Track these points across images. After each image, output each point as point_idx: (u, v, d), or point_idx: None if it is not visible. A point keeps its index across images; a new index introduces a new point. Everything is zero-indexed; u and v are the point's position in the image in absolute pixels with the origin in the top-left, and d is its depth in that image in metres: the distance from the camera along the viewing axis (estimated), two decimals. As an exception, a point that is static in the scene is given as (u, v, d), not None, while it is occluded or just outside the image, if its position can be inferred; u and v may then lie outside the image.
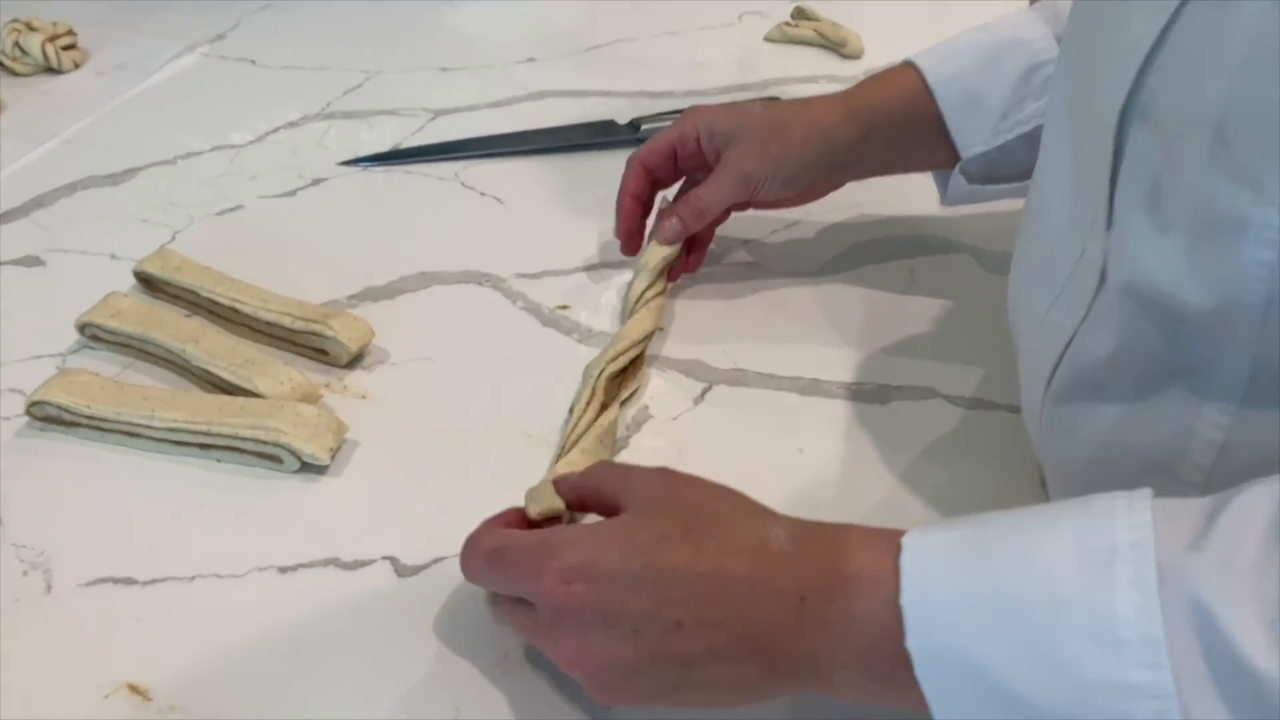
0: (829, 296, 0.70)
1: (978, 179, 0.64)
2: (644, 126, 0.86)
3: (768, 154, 0.63)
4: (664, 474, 0.44)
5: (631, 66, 1.00)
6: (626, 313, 0.64)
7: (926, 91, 0.63)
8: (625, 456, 0.58)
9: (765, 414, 0.61)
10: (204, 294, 0.65)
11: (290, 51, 1.00)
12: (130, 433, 0.56)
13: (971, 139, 0.63)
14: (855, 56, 1.00)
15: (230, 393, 0.59)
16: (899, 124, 0.64)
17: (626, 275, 0.71)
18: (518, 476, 0.54)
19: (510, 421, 0.59)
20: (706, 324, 0.67)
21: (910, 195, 0.75)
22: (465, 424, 0.59)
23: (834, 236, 0.75)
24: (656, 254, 0.65)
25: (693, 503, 0.42)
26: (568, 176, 0.82)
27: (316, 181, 0.81)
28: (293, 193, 0.80)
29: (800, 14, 1.07)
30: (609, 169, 0.79)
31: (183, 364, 0.61)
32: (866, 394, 0.62)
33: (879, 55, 0.99)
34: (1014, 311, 0.59)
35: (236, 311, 0.64)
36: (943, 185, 0.67)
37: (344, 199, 0.79)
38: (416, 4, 1.11)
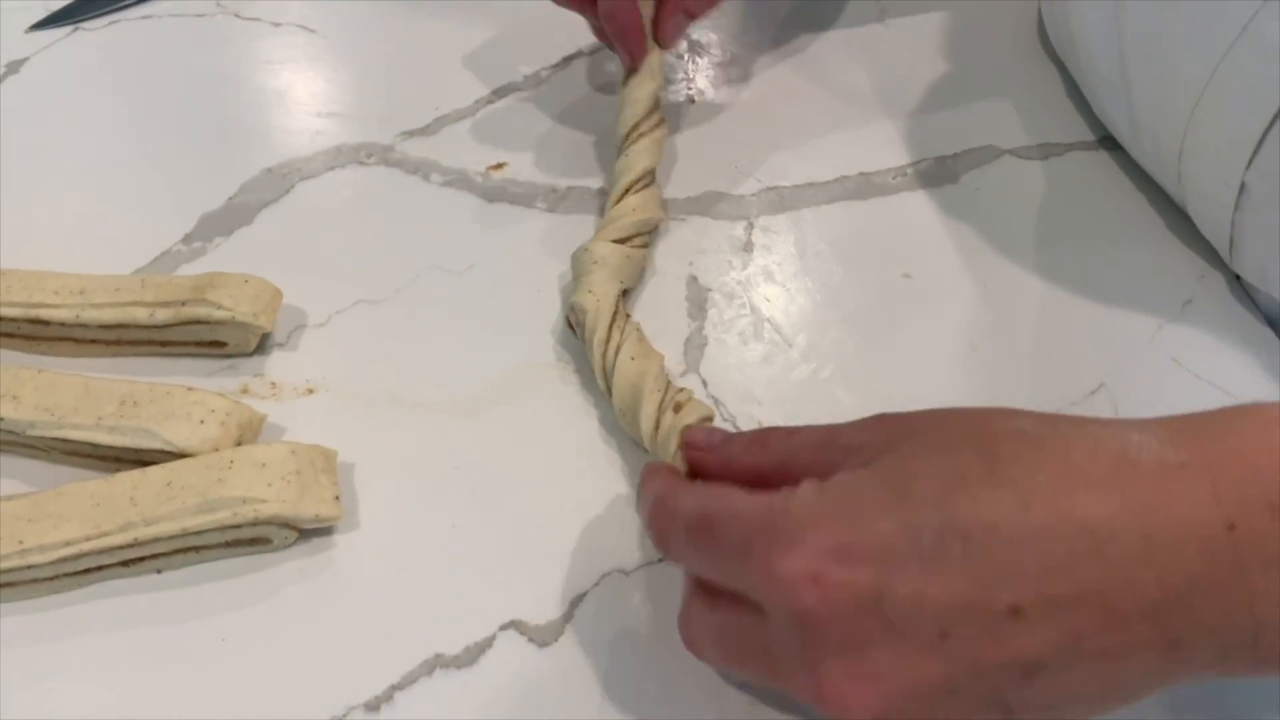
0: (808, 73, 0.54)
1: None
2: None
3: None
4: (892, 421, 0.29)
5: None
6: (617, 155, 0.46)
7: None
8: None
9: (833, 236, 0.47)
10: (-33, 310, 0.40)
11: None
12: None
13: None
14: None
15: (122, 463, 0.37)
16: None
17: (558, 89, 0.52)
18: (601, 430, 0.39)
19: (532, 355, 0.42)
20: (706, 149, 0.50)
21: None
22: (475, 381, 0.41)
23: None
24: (646, 80, 0.46)
25: (975, 429, 0.28)
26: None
27: (13, 66, 0.53)
28: (-13, 94, 0.51)
29: None
30: None
31: (6, 441, 0.37)
32: (928, 174, 0.49)
33: None
34: (1100, 29, 0.47)
35: (41, 323, 0.40)
36: None
37: (72, 84, 0.52)
38: None
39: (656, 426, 0.37)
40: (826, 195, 0.48)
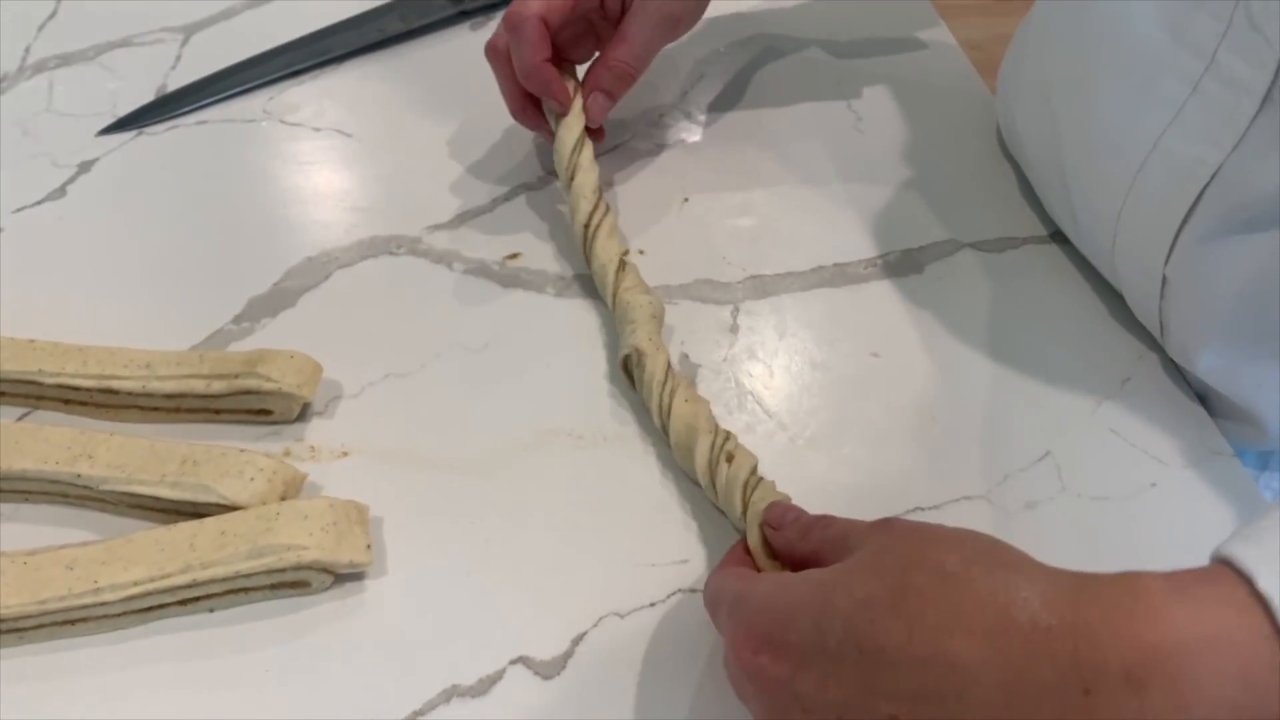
0: (789, 172, 0.61)
1: None
2: (469, -8, 0.70)
3: None
4: (885, 524, 0.34)
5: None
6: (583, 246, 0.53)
7: None
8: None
9: (810, 320, 0.52)
10: (49, 380, 0.46)
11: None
12: (69, 620, 0.39)
13: None
14: None
15: (181, 515, 0.42)
16: None
17: (559, 189, 0.58)
18: (601, 489, 0.44)
19: (539, 423, 0.47)
20: (697, 241, 0.56)
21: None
22: (490, 445, 0.47)
23: (725, 86, 0.66)
24: (574, 122, 0.54)
25: (909, 556, 0.31)
26: (404, 79, 0.66)
27: (84, 166, 0.59)
28: (60, 190, 0.58)
29: None
30: (449, 57, 0.65)
31: (81, 495, 0.43)
32: (895, 265, 0.55)
33: None
34: (1040, 139, 0.54)
35: (112, 393, 0.46)
36: None
37: (136, 182, 0.59)
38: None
39: (710, 465, 0.43)
40: (804, 283, 0.54)
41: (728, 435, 0.44)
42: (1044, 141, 0.54)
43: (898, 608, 0.30)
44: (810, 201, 0.58)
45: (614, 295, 0.50)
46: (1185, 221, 0.44)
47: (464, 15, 0.70)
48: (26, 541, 0.42)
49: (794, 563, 0.38)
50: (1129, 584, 0.28)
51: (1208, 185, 0.42)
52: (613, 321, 0.51)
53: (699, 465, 0.43)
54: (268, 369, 0.45)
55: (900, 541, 0.32)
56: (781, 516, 0.39)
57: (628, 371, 0.48)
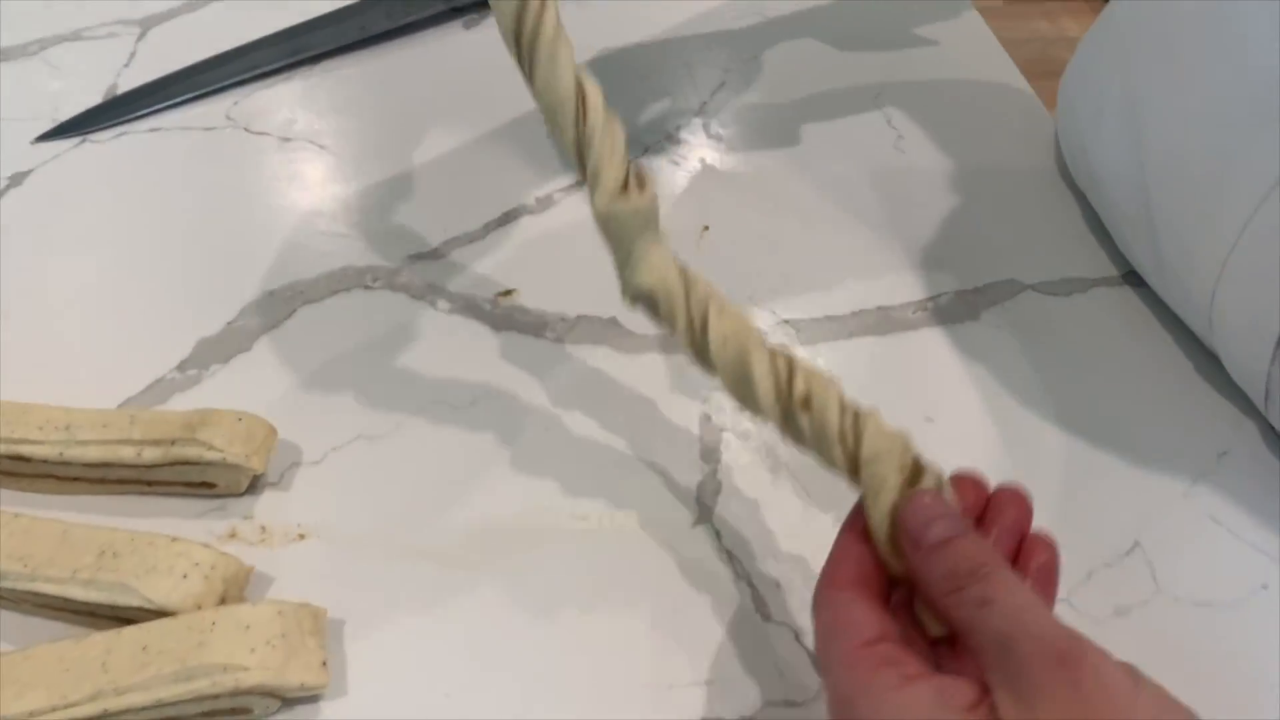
0: (823, 200, 0.53)
1: None
2: (462, -12, 0.62)
3: None
4: (1075, 677, 0.25)
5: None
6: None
7: None
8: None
9: (852, 375, 0.45)
10: (-52, 445, 0.38)
11: None
12: (-49, 757, 0.32)
13: None
14: None
15: (98, 618, 0.35)
16: None
17: (569, 211, 0.51)
18: (611, 585, 0.36)
19: (536, 500, 0.40)
20: (719, 279, 0.49)
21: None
22: (477, 528, 0.39)
23: (779, 121, 0.58)
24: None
25: None
26: (389, 85, 0.58)
27: (16, 179, 0.52)
28: (-13, 208, 0.50)
29: None
30: (439, 58, 0.58)
31: (-19, 590, 0.35)
32: (948, 310, 0.48)
33: None
34: (1120, 162, 0.46)
35: (23, 459, 0.38)
36: None
37: (74, 198, 0.51)
38: None
39: (781, 408, 0.31)
40: (844, 330, 0.47)
41: (790, 361, 0.32)
42: (1122, 168, 0.46)
43: None
44: (848, 233, 0.51)
45: (579, 155, 0.33)
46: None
47: (456, 12, 0.63)
48: (-94, 650, 0.34)
49: (925, 598, 0.29)
50: None
51: None
52: (625, 374, 0.44)
53: (763, 399, 0.31)
54: (210, 434, 0.38)
55: None
56: (924, 529, 0.29)
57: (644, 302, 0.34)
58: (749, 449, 0.42)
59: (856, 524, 0.31)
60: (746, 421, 0.43)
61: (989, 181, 0.54)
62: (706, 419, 0.43)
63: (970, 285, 0.49)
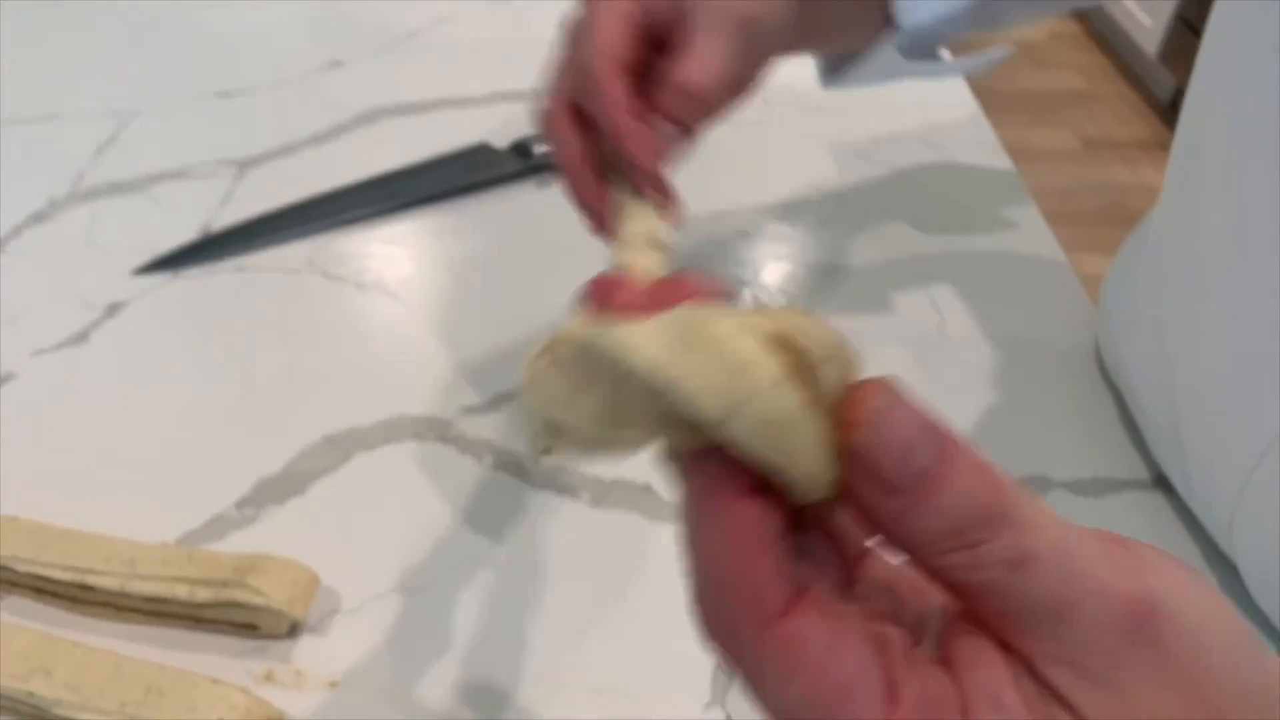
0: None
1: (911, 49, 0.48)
2: (537, 150, 0.67)
3: None
4: (1155, 653, 0.19)
5: (468, 56, 0.79)
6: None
7: None
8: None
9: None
10: (21, 569, 0.41)
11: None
12: None
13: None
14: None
15: (134, 752, 0.37)
16: None
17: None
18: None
19: (557, 667, 0.42)
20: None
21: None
22: (499, 683, 0.41)
23: (810, 272, 0.61)
24: (641, 221, 0.37)
25: None
26: (461, 239, 0.62)
27: (112, 309, 0.56)
28: (83, 336, 0.55)
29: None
30: (511, 213, 0.61)
31: (35, 713, 0.38)
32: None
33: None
34: (1152, 372, 0.48)
35: (88, 589, 0.41)
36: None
37: (162, 332, 0.55)
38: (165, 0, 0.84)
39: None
40: (871, 515, 0.48)
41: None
42: (1154, 378, 0.48)
43: None
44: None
45: None
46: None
47: (531, 171, 0.67)
48: (-41, 768, 0.37)
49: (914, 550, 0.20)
50: None
51: None
52: (654, 544, 0.46)
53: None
54: (259, 580, 0.40)
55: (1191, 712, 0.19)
56: (900, 463, 0.20)
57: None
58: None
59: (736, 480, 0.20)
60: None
61: (1028, 371, 0.55)
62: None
63: (1000, 477, 0.50)
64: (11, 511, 0.43)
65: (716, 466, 0.20)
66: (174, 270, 0.59)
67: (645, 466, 0.49)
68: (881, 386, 0.20)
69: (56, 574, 0.41)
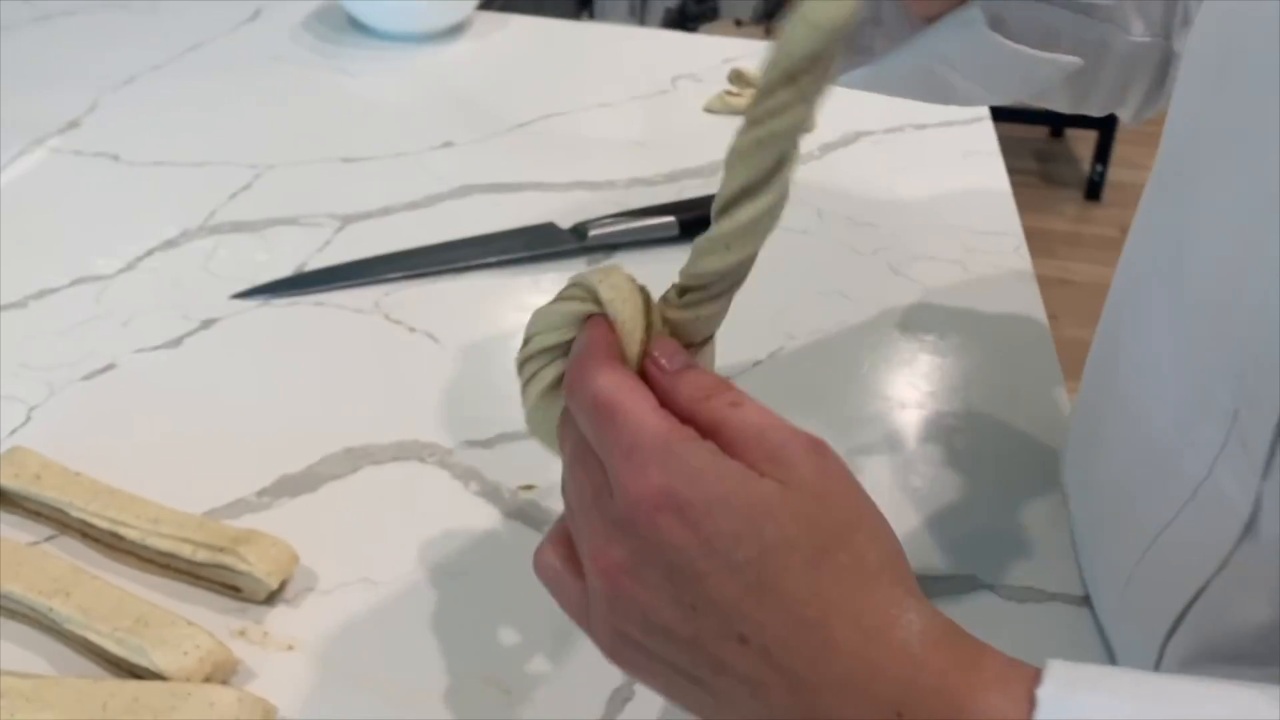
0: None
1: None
2: (592, 233, 0.75)
3: None
4: (820, 458, 0.33)
5: (563, 149, 0.89)
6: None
7: None
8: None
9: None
10: (74, 514, 0.51)
11: (160, 141, 0.86)
12: (-20, 745, 0.42)
13: None
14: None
15: (117, 666, 0.45)
16: None
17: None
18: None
19: (485, 674, 0.47)
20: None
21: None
22: (428, 681, 0.47)
23: (795, 375, 0.66)
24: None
25: (842, 529, 0.32)
26: (509, 300, 0.71)
27: (206, 324, 0.67)
28: (177, 341, 0.66)
29: (740, 79, 0.98)
30: (554, 283, 0.68)
31: (53, 626, 0.47)
32: (901, 590, 0.52)
33: (832, 128, 0.91)
34: (1082, 489, 0.51)
35: (119, 538, 0.50)
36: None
37: (242, 347, 0.66)
38: (310, 73, 0.98)
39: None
40: (799, 586, 0.52)
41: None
42: (1080, 484, 0.50)
43: (814, 566, 0.31)
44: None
45: None
46: (1169, 637, 0.39)
47: (585, 250, 0.75)
48: (-12, 656, 0.46)
49: (678, 415, 0.33)
50: (976, 653, 0.31)
51: (1191, 604, 0.38)
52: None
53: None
54: (247, 551, 0.48)
55: (839, 501, 0.32)
56: (673, 355, 0.35)
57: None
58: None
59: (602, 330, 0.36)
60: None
61: (994, 484, 0.58)
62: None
63: (931, 572, 0.53)
64: (78, 467, 0.53)
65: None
66: (265, 298, 0.69)
67: (608, 513, 0.55)
68: (668, 338, 0.36)
69: (96, 521, 0.50)
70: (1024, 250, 0.78)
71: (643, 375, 0.35)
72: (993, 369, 0.66)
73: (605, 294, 0.36)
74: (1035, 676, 0.30)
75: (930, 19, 0.48)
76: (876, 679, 0.30)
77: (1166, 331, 0.41)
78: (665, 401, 0.34)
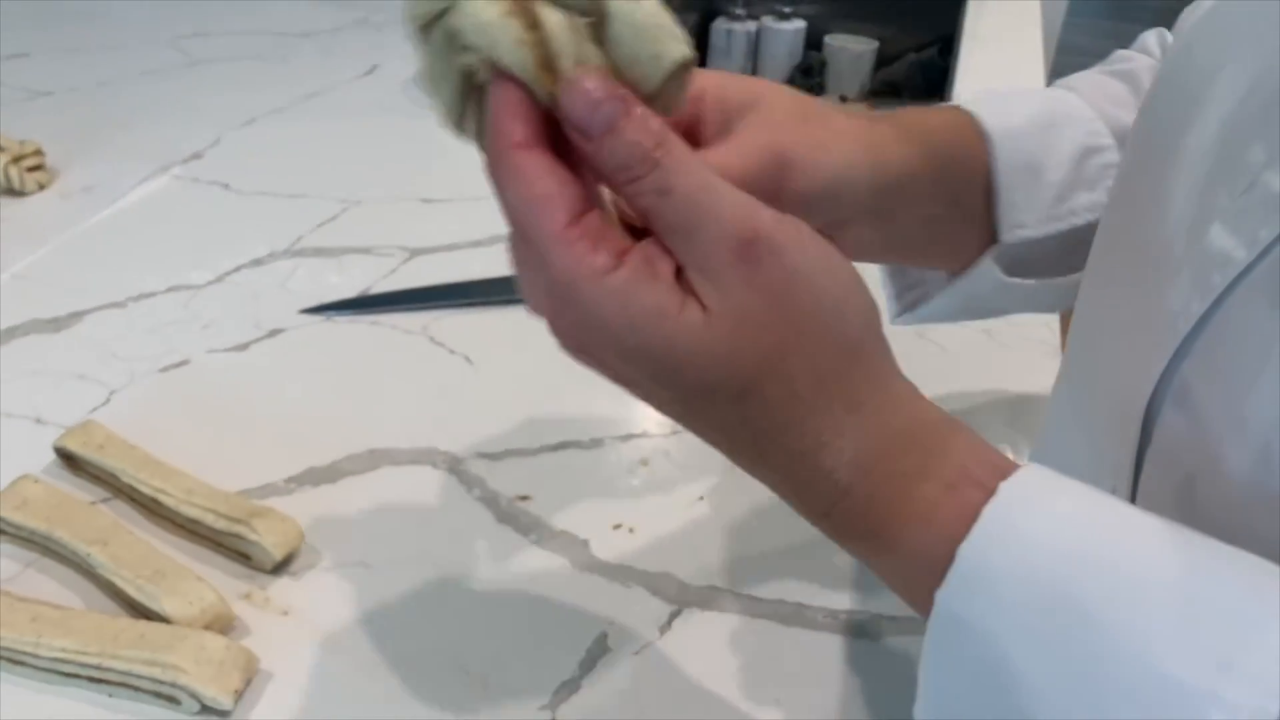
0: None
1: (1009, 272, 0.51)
2: (630, 278, 0.80)
3: (805, 132, 0.41)
4: (753, 269, 0.30)
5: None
6: None
7: (981, 140, 0.48)
8: (582, 696, 0.51)
9: (739, 651, 0.53)
10: (125, 480, 0.58)
11: (267, 174, 0.96)
12: (11, 659, 0.49)
13: (1022, 216, 0.49)
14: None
15: (134, 608, 0.52)
16: (951, 161, 0.47)
17: (599, 454, 0.65)
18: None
19: (450, 655, 0.52)
20: (683, 527, 0.60)
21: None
22: (399, 655, 0.52)
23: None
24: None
25: (772, 356, 0.30)
26: (545, 334, 0.76)
27: (273, 333, 0.75)
28: (245, 346, 0.74)
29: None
30: None
31: (89, 570, 0.54)
32: (857, 626, 0.55)
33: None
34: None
35: (158, 503, 0.57)
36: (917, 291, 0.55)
37: (300, 355, 0.73)
38: (410, 123, 1.07)
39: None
40: (758, 610, 0.55)
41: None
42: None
43: (739, 402, 0.31)
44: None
45: None
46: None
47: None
48: (32, 588, 0.54)
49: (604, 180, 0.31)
50: (918, 477, 0.31)
51: None
52: (575, 590, 0.56)
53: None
54: (259, 524, 0.55)
55: (771, 322, 0.30)
56: (589, 116, 0.29)
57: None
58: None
59: (513, 84, 0.30)
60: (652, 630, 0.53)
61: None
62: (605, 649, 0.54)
63: (890, 613, 0.55)
64: (136, 441, 0.61)
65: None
66: (328, 315, 0.77)
67: (590, 526, 0.60)
68: (594, 68, 0.30)
69: (141, 488, 0.58)
70: (1054, 325, 0.79)
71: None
72: (993, 369, 0.68)
73: (472, 38, 0.30)
74: (975, 506, 0.29)
75: (956, 273, 0.51)
76: (804, 495, 0.32)
77: (1080, 415, 0.43)
78: (596, 173, 0.31)
